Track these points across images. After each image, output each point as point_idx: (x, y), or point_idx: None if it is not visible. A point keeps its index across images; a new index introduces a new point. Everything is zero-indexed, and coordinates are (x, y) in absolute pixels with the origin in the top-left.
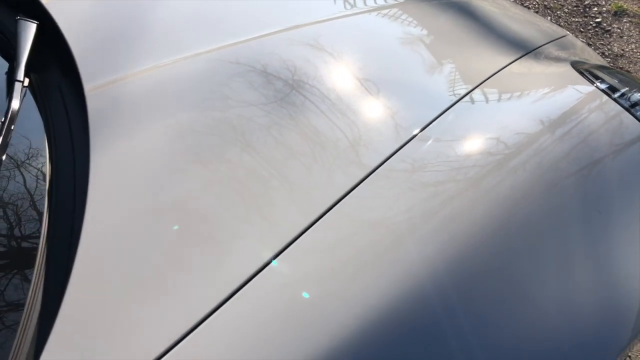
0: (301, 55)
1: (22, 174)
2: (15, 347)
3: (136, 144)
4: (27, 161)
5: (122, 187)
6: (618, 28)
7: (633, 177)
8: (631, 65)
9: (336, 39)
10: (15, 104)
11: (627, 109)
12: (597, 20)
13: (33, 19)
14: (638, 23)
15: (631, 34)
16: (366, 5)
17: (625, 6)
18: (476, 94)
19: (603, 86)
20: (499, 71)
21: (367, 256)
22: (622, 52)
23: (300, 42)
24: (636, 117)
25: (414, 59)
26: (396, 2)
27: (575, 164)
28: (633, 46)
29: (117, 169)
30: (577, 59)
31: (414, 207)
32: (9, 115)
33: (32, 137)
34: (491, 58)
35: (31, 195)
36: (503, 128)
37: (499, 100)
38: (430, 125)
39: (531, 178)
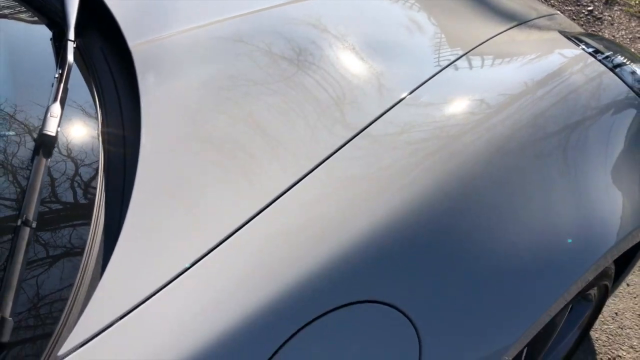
0: (305, 25)
1: (79, 117)
2: (85, 257)
3: (177, 87)
4: (83, 106)
5: (167, 119)
6: (609, 16)
7: (611, 124)
8: None
9: (330, 7)
10: (69, 58)
11: (610, 69)
12: (589, 8)
13: None
14: (628, 11)
15: (621, 21)
16: None
17: None
18: (467, 59)
19: (589, 49)
20: (490, 39)
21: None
22: (612, 37)
23: (303, 14)
24: (618, 76)
25: (408, 26)
26: None
27: (562, 113)
28: (623, 32)
29: (164, 106)
30: (565, 29)
31: (397, 163)
32: (65, 69)
33: (84, 87)
34: (483, 27)
35: (92, 130)
36: (490, 89)
37: (491, 65)
38: (420, 88)
39: (525, 122)
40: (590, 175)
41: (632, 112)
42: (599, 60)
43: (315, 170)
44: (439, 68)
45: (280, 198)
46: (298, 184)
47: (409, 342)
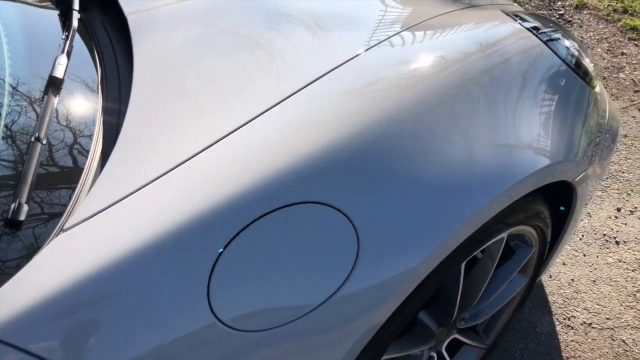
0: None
1: (81, 66)
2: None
3: (163, 44)
4: (84, 58)
5: (160, 60)
6: (579, 19)
7: (538, 86)
8: (588, 50)
9: None
10: (74, 24)
11: (544, 42)
12: (560, 12)
13: None
14: (596, 15)
15: (590, 23)
16: None
17: (585, 0)
18: (414, 29)
19: (526, 24)
20: (437, 16)
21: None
22: (581, 38)
23: None
24: (551, 49)
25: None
26: None
27: (494, 73)
28: (591, 33)
29: (155, 53)
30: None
31: (354, 97)
32: (70, 32)
33: (86, 46)
34: (432, 8)
35: (93, 75)
36: (432, 53)
37: (433, 34)
38: (378, 45)
39: (460, 75)
40: (508, 122)
41: (561, 80)
42: (535, 34)
43: (283, 102)
44: (395, 31)
45: (253, 120)
46: (268, 110)
47: (349, 238)
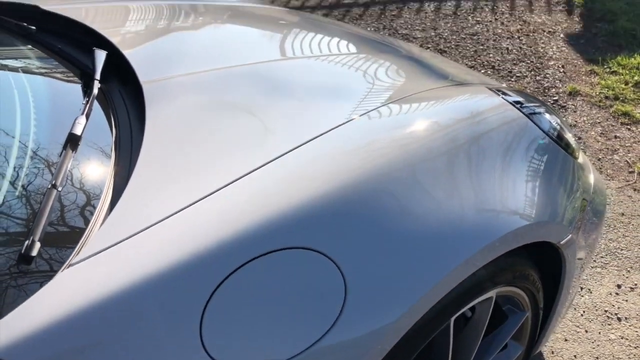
0: (276, 76)
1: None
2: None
3: (176, 106)
4: (102, 123)
5: (168, 122)
6: (572, 104)
7: (519, 152)
8: (583, 133)
9: (297, 65)
10: (94, 92)
11: (526, 116)
12: (555, 98)
13: (103, 49)
14: (589, 101)
15: (583, 109)
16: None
17: (578, 88)
18: (403, 101)
19: (509, 99)
20: (431, 89)
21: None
22: (575, 122)
23: (276, 68)
24: (534, 122)
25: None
26: (353, 52)
27: (478, 141)
28: (585, 118)
29: (165, 116)
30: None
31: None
32: (90, 98)
33: (103, 111)
34: (421, 83)
35: (107, 137)
36: (426, 119)
37: (421, 105)
38: (370, 113)
39: (445, 141)
40: (491, 185)
41: (544, 150)
42: (518, 108)
43: (280, 158)
44: (381, 103)
45: (250, 173)
46: (265, 165)
47: (337, 286)
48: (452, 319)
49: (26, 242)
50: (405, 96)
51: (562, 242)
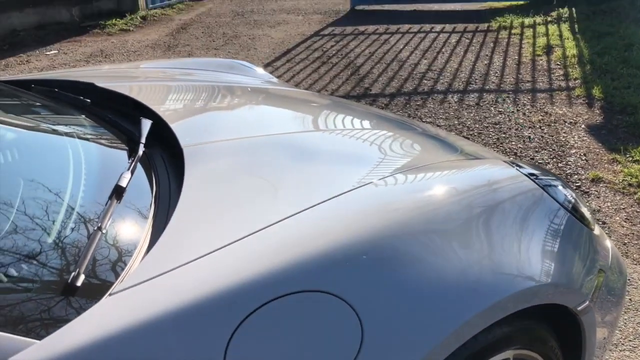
0: (302, 145)
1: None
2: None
3: (212, 166)
4: (145, 177)
5: (204, 179)
6: (595, 191)
7: (534, 219)
8: (607, 218)
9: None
10: (139, 153)
11: (542, 187)
12: (577, 184)
13: (148, 118)
14: (612, 187)
15: (607, 195)
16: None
17: (601, 175)
18: (428, 168)
19: (524, 171)
20: (449, 160)
21: None
22: (599, 208)
23: (302, 139)
24: (549, 194)
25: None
26: (384, 130)
27: (496, 208)
28: (609, 204)
29: (201, 175)
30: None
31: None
32: (135, 158)
33: (145, 169)
34: (444, 155)
35: (148, 194)
36: (444, 185)
37: (448, 172)
38: (387, 178)
39: (461, 208)
40: (506, 250)
41: (558, 219)
42: (533, 180)
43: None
44: (400, 169)
45: (278, 222)
46: (295, 215)
47: (354, 329)
48: None
49: (73, 274)
50: (422, 165)
51: (579, 309)
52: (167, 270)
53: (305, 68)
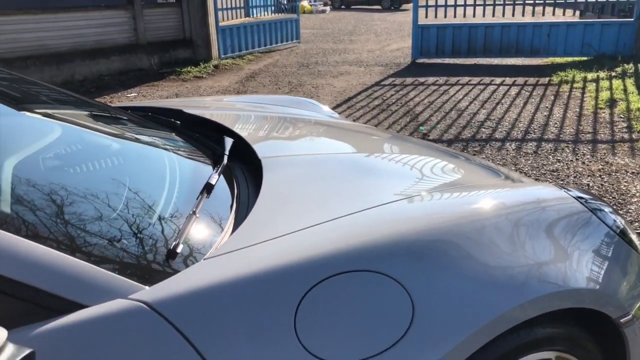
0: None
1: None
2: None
3: (285, 174)
4: (228, 181)
5: (280, 183)
6: None
7: (583, 237)
8: None
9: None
10: (224, 162)
11: (590, 210)
12: (639, 231)
13: (230, 137)
14: None
15: None
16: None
17: None
18: (478, 187)
19: (573, 194)
20: (497, 182)
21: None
22: None
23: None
24: (598, 217)
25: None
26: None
27: (541, 224)
28: None
29: (277, 180)
30: None
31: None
32: (221, 166)
33: (227, 176)
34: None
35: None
36: (493, 199)
37: (496, 190)
38: (443, 191)
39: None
40: (551, 257)
41: (607, 240)
42: (581, 203)
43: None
44: (449, 185)
45: (346, 216)
46: (359, 212)
47: (406, 308)
48: None
49: (174, 242)
50: (473, 183)
51: (621, 320)
52: (250, 244)
53: (366, 114)
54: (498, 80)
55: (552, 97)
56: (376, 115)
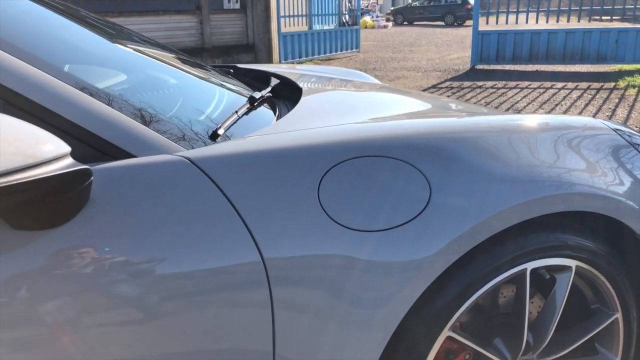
0: None
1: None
2: None
3: (322, 97)
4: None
5: (315, 105)
6: None
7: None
8: None
9: None
10: (269, 88)
11: (629, 143)
12: None
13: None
14: None
15: None
16: None
17: None
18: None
19: (611, 125)
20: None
21: None
22: None
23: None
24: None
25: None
26: None
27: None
28: None
29: (314, 102)
30: None
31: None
32: (265, 91)
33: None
34: None
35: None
36: (536, 119)
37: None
38: (485, 114)
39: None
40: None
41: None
42: (621, 136)
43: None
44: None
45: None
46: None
47: (423, 190)
48: (529, 269)
49: (216, 128)
50: (503, 114)
51: None
52: (288, 130)
53: None
54: (559, 84)
55: (617, 100)
56: None
